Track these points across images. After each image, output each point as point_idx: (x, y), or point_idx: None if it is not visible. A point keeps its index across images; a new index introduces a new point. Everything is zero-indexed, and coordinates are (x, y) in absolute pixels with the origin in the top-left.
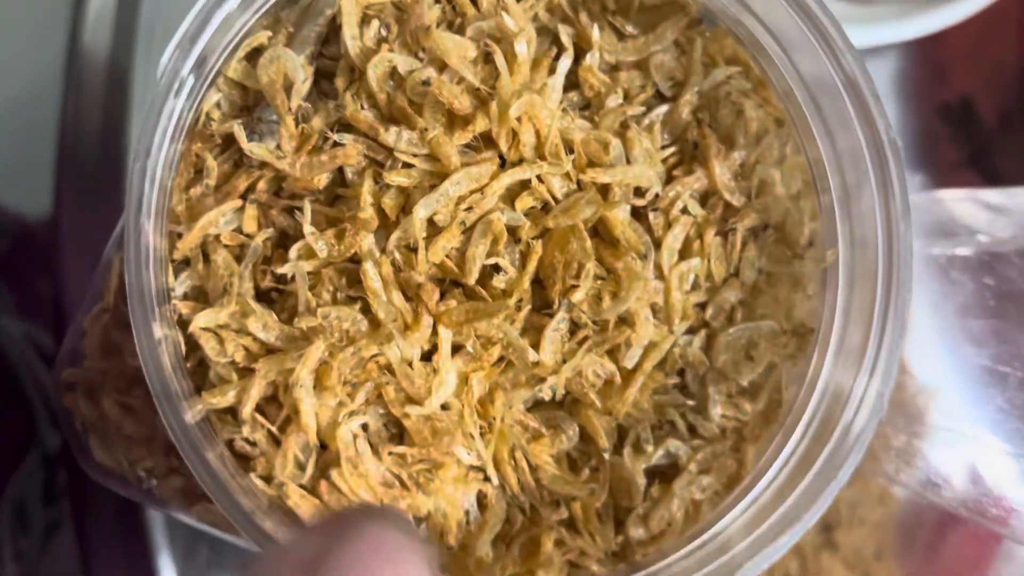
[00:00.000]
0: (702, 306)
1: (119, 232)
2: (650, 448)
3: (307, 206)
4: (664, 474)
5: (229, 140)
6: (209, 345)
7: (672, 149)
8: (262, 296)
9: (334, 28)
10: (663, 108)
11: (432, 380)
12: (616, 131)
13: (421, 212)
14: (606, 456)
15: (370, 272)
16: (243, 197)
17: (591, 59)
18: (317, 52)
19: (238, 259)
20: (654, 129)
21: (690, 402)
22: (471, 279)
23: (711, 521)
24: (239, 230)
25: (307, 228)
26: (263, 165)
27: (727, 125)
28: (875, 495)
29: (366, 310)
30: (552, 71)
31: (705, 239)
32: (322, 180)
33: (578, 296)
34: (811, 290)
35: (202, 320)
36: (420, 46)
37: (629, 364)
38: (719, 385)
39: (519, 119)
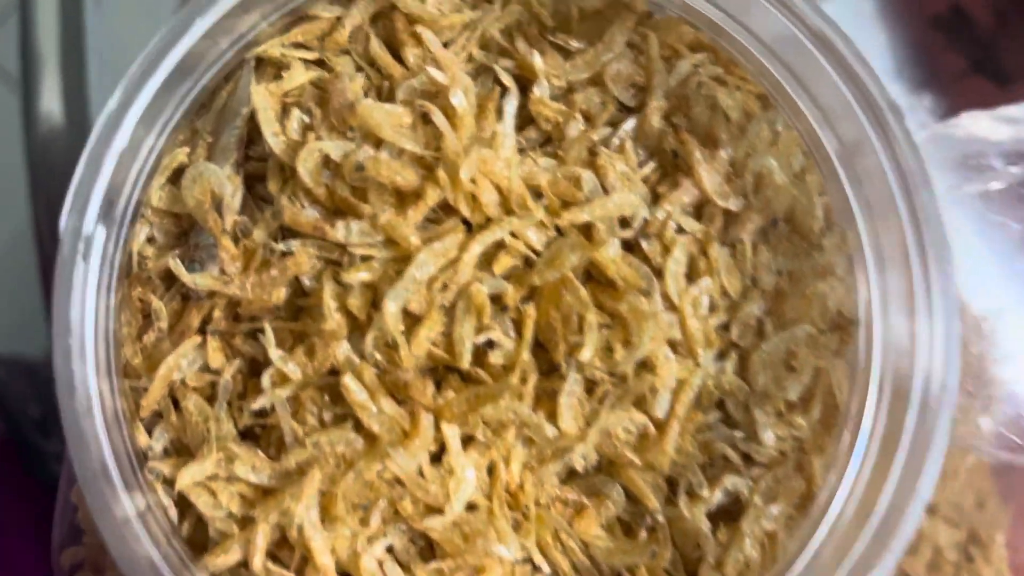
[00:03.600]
0: (725, 327)
1: None
2: (706, 491)
3: (268, 329)
4: (728, 513)
5: (170, 274)
6: (202, 500)
7: (651, 165)
8: (246, 434)
9: (255, 126)
10: (631, 122)
11: (449, 482)
12: (585, 161)
13: (392, 306)
14: (659, 517)
15: (351, 385)
16: (201, 331)
17: (539, 90)
18: (243, 157)
19: (210, 400)
20: (626, 148)
21: (738, 433)
22: (464, 363)
23: (795, 551)
24: (205, 368)
25: (273, 353)
26: (212, 294)
27: (704, 123)
28: (957, 442)
29: (359, 426)
30: (500, 114)
31: (710, 255)
32: (279, 295)
33: (586, 354)
34: (840, 273)
35: (188, 476)
36: (348, 125)
37: (660, 413)
38: (764, 407)
39: (473, 180)
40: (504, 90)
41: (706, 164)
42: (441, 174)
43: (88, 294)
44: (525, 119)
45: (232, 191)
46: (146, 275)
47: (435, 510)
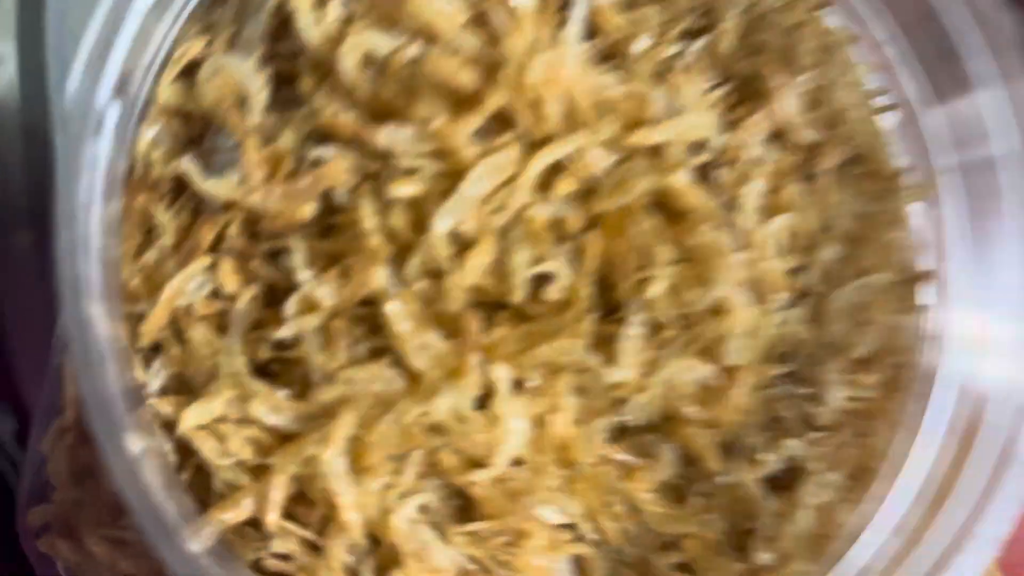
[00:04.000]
0: (794, 271)
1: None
2: (763, 455)
3: (297, 245)
4: (777, 480)
5: (180, 184)
6: (207, 446)
7: (723, 89)
8: (260, 372)
9: (283, 20)
10: (701, 42)
11: (495, 432)
12: (653, 80)
13: (441, 225)
14: (719, 481)
15: (394, 313)
16: (212, 250)
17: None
18: (269, 53)
19: (221, 330)
20: (696, 68)
21: (804, 390)
22: (518, 296)
23: (854, 529)
24: (216, 293)
25: (302, 273)
26: (229, 206)
27: (780, 47)
28: None
29: (396, 362)
30: (561, 22)
31: (785, 190)
32: (306, 210)
33: (655, 290)
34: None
35: (192, 417)
36: (394, 20)
37: (736, 359)
38: (834, 362)
39: (537, 87)
40: None
41: (786, 90)
42: (507, 73)
43: (98, 181)
44: (585, 31)
45: (259, 87)
46: (151, 180)
47: (478, 464)
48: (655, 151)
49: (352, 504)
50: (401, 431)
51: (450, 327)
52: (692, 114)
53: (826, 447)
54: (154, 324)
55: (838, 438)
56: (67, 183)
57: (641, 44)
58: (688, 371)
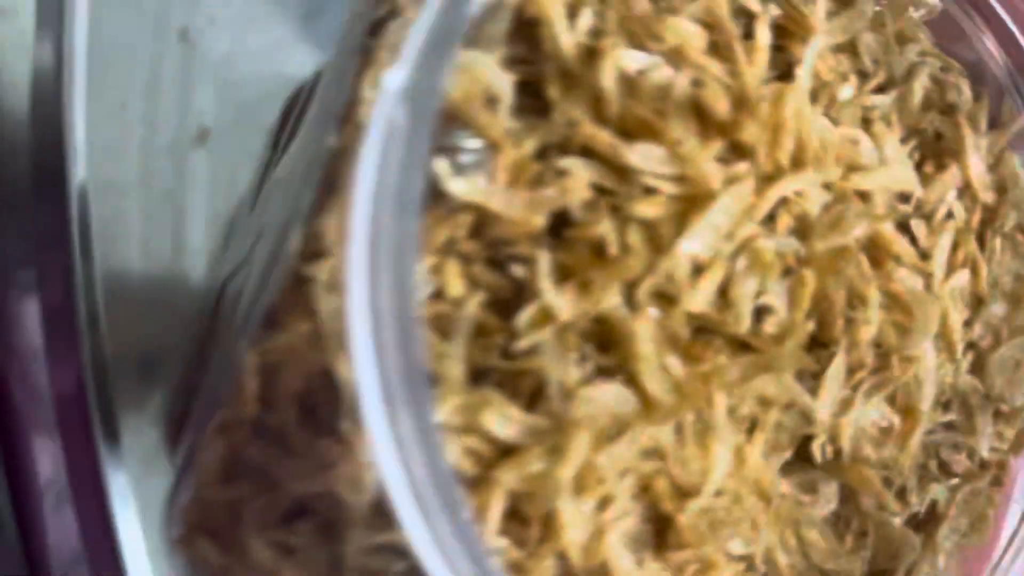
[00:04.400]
0: (965, 323)
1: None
2: (915, 497)
3: (541, 254)
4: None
5: None
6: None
7: (912, 143)
8: (474, 380)
9: (521, 23)
10: (892, 95)
11: (707, 460)
12: (859, 127)
13: (686, 247)
14: (882, 520)
15: (642, 333)
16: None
17: (817, 42)
18: (508, 56)
19: (442, 334)
20: (892, 121)
21: (960, 438)
22: (743, 326)
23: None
24: (438, 295)
25: (544, 283)
26: (463, 208)
27: (969, 110)
28: None
29: (627, 382)
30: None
31: (968, 246)
32: (540, 220)
33: (867, 332)
34: None
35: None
36: (642, 38)
37: (924, 406)
38: (987, 414)
39: (779, 123)
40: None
41: (975, 151)
42: (763, 108)
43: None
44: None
45: (506, 88)
46: None
47: (685, 491)
48: (864, 196)
49: (575, 522)
50: (628, 453)
51: (681, 351)
52: (897, 165)
53: (963, 493)
54: None
55: (975, 486)
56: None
57: (847, 91)
58: (876, 413)
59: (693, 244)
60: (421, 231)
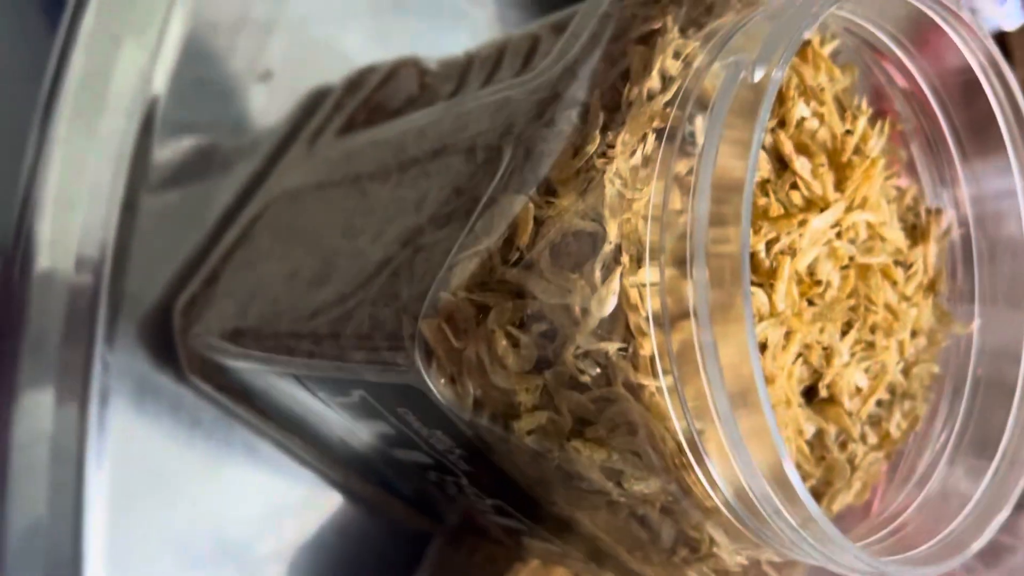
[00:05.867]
0: None
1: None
2: (850, 447)
3: None
4: None
5: None
6: None
7: None
8: None
9: None
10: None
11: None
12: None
13: (816, 223)
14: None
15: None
16: None
17: None
18: None
19: None
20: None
21: (882, 415)
22: (821, 288)
23: None
24: None
25: None
26: None
27: None
28: None
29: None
30: None
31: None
32: None
33: (871, 322)
34: None
35: None
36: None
37: (884, 381)
38: (901, 406)
39: None
40: None
41: None
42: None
43: None
44: None
45: None
46: None
47: None
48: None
49: None
50: None
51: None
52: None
53: (868, 458)
54: None
55: (876, 454)
56: None
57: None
58: (861, 378)
59: (818, 222)
60: None
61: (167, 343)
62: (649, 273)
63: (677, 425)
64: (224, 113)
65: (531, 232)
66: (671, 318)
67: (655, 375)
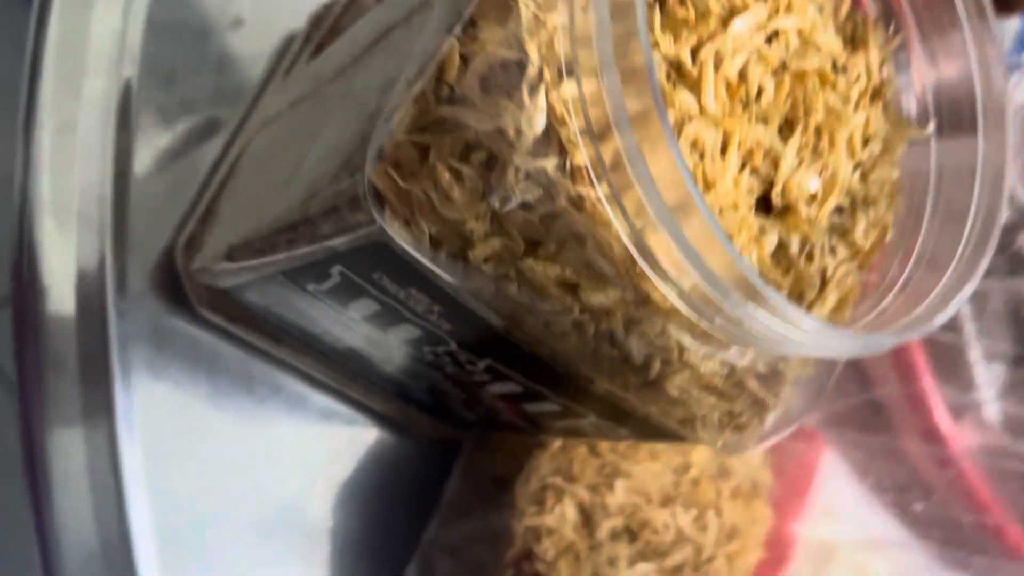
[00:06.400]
0: None
1: None
2: (816, 258)
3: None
4: None
5: None
6: None
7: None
8: None
9: None
10: None
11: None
12: None
13: (738, 25)
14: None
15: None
16: None
17: None
18: None
19: None
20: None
21: (847, 225)
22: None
23: None
24: None
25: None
26: None
27: None
28: None
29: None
30: None
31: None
32: None
33: (814, 123)
34: None
35: None
36: None
37: (839, 182)
38: (865, 213)
39: None
40: None
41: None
42: None
43: None
44: None
45: None
46: None
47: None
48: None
49: None
50: None
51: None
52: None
53: (840, 270)
54: None
55: (848, 265)
56: None
57: None
58: (813, 182)
59: (739, 24)
60: None
61: (176, 285)
62: (569, 87)
63: (621, 230)
64: (201, 63)
65: (459, 68)
66: (600, 129)
67: (592, 185)
